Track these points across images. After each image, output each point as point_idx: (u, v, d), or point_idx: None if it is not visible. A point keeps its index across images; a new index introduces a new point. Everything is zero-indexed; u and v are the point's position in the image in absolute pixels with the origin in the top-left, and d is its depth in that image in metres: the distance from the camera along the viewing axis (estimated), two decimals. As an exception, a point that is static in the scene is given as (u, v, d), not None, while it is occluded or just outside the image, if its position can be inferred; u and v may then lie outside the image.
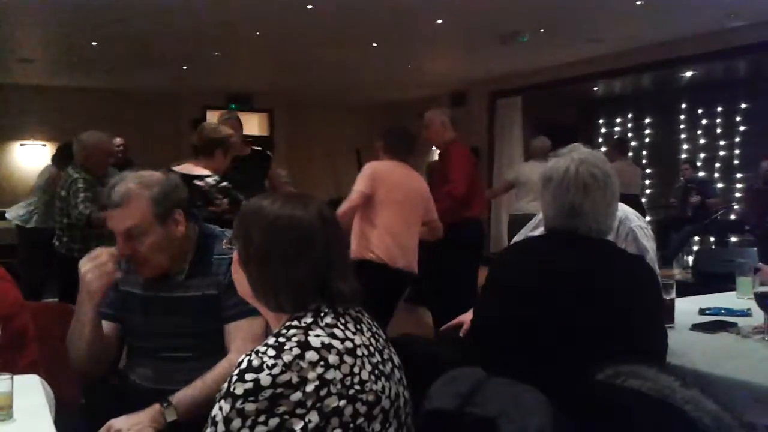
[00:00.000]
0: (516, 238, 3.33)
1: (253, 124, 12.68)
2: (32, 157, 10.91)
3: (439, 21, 7.21)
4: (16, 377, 1.70)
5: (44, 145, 11.01)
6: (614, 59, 8.94)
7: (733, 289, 3.20)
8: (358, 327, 1.44)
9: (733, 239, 9.59)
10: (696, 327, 2.44)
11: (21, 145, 10.97)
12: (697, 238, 9.92)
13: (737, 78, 9.80)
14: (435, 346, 2.05)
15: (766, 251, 8.35)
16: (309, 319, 1.39)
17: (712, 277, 7.71)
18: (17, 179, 10.75)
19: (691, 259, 9.52)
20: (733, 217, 9.72)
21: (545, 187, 2.04)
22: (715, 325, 2.45)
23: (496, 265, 2.12)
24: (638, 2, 6.58)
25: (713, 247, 9.69)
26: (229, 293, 2.00)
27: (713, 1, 6.58)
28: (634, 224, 2.78)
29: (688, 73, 9.63)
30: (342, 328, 1.40)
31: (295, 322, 1.39)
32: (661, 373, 1.39)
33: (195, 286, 2.14)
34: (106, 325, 2.23)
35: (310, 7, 6.56)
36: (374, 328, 1.50)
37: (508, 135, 11.24)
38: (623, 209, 2.68)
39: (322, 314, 1.41)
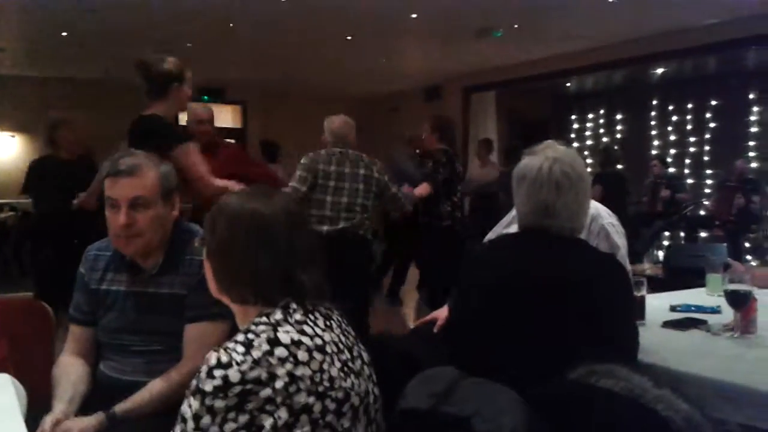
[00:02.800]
0: (489, 235, 3.36)
1: (226, 117, 12.60)
2: (1, 147, 10.75)
3: (414, 15, 7.20)
4: (-16, 376, 1.67)
5: (13, 136, 10.84)
6: (587, 55, 8.99)
7: (704, 285, 3.23)
8: (328, 324, 1.44)
9: (703, 234, 9.73)
10: (667, 324, 2.47)
11: (-10, 135, 10.80)
12: (667, 234, 10.05)
13: (707, 75, 9.94)
14: (410, 344, 2.03)
15: (735, 247, 8.50)
16: (278, 316, 1.39)
17: (682, 272, 7.80)
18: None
19: (661, 254, 9.65)
20: (702, 212, 9.86)
21: (519, 185, 2.05)
22: (685, 322, 2.47)
23: (469, 263, 2.12)
24: (611, 0, 6.63)
25: (683, 242, 9.83)
26: (195, 294, 2.01)
27: (685, -1, 6.64)
28: (605, 221, 2.81)
29: (659, 70, 9.73)
30: (311, 324, 1.40)
31: (264, 318, 1.39)
32: (634, 372, 1.41)
33: (166, 284, 2.13)
34: (83, 331, 2.22)
35: (283, 0, 6.51)
36: (344, 325, 1.50)
37: (482, 129, 11.27)
38: (595, 206, 2.70)
39: (291, 310, 1.41)
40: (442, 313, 2.98)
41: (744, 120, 9.72)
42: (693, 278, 7.27)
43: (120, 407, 1.94)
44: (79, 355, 2.19)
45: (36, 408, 1.92)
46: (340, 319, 1.50)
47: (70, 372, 2.11)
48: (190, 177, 3.13)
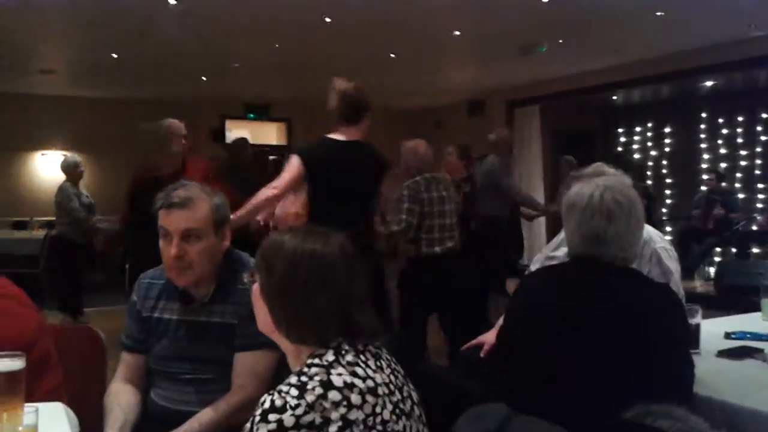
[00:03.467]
0: (537, 256, 3.33)
1: (271, 134, 12.73)
2: (52, 166, 11.01)
3: (457, 32, 7.20)
4: (39, 405, 1.70)
5: (64, 155, 11.09)
6: (634, 69, 8.88)
7: (757, 303, 3.14)
8: (378, 364, 1.43)
9: (755, 250, 9.49)
10: (722, 353, 2.39)
11: (42, 154, 11.06)
12: (718, 249, 9.83)
13: (758, 87, 9.72)
14: (456, 376, 2.01)
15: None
16: (330, 357, 1.39)
17: (734, 289, 7.65)
18: (37, 189, 10.84)
19: (712, 270, 9.44)
20: (754, 227, 9.62)
21: (569, 214, 2.02)
22: (741, 351, 2.40)
23: (518, 292, 2.10)
24: (658, 13, 6.53)
25: (735, 258, 9.60)
26: (246, 323, 2.01)
27: (733, 11, 6.51)
28: (658, 245, 2.77)
29: (709, 83, 9.55)
30: (363, 366, 1.39)
31: (317, 360, 1.38)
32: (691, 414, 1.36)
33: (218, 312, 2.15)
34: (134, 359, 2.25)
35: (328, 20, 6.57)
36: (393, 365, 1.49)
37: (527, 143, 11.19)
38: (647, 230, 2.65)
39: (343, 351, 1.40)
40: (488, 337, 2.96)
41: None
42: (745, 295, 7.16)
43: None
44: (129, 383, 2.22)
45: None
46: (389, 357, 1.49)
47: (121, 400, 2.14)
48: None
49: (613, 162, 7.99)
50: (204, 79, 9.68)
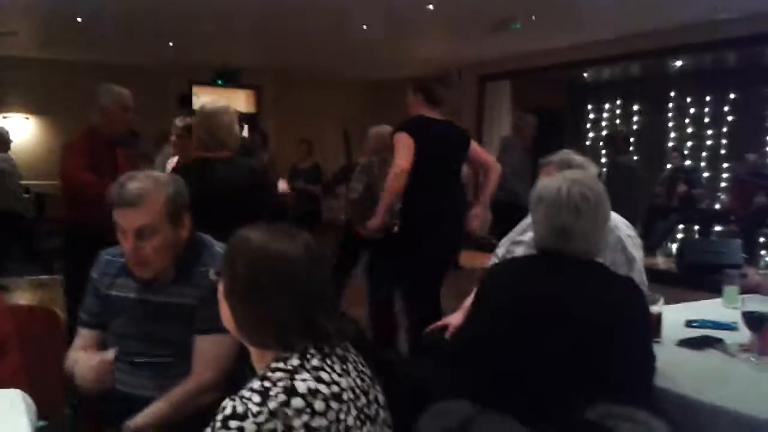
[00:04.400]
0: (503, 240, 3.34)
1: (240, 101, 12.56)
2: (15, 129, 10.76)
3: (430, 6, 7.13)
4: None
5: (27, 118, 10.88)
6: (604, 47, 8.89)
7: (718, 284, 3.20)
8: (344, 367, 1.41)
9: (718, 228, 9.66)
10: (683, 343, 2.43)
11: (3, 117, 10.80)
12: (681, 226, 9.98)
13: (726, 68, 9.80)
14: (418, 367, 2.01)
15: (749, 242, 8.43)
16: (295, 362, 1.36)
17: (696, 267, 7.79)
18: (-1, 152, 10.60)
19: (674, 247, 9.60)
20: (717, 206, 9.78)
21: (536, 207, 2.02)
22: (701, 341, 2.44)
23: (484, 283, 2.11)
24: (631, -8, 6.54)
25: (697, 236, 9.76)
26: (206, 306, 1.99)
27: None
28: (622, 233, 2.79)
29: (678, 63, 9.61)
30: (329, 370, 1.37)
31: (281, 364, 1.36)
32: (653, 418, 1.39)
33: (177, 293, 2.13)
34: (90, 333, 2.23)
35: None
36: (360, 366, 1.47)
37: (497, 118, 11.21)
38: (613, 218, 2.66)
39: (308, 355, 1.38)
40: (454, 319, 2.98)
41: (762, 114, 9.59)
42: (707, 274, 7.29)
43: (130, 422, 1.95)
44: None
45: (48, 418, 1.92)
46: (356, 359, 1.47)
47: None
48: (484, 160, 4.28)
49: (606, 139, 7.91)
50: (171, 44, 9.48)
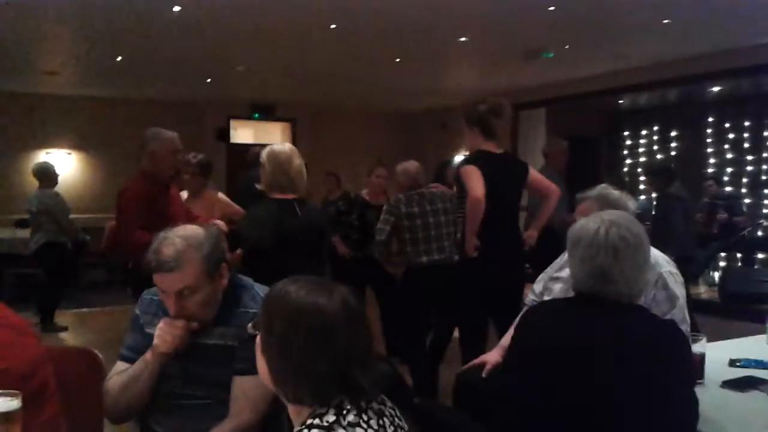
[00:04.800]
0: (541, 276, 3.30)
1: (275, 134, 12.72)
2: (57, 164, 11.00)
3: (463, 38, 7.16)
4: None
5: (69, 153, 11.11)
6: (640, 73, 8.83)
7: (762, 313, 3.13)
8: (381, 422, 1.40)
9: (761, 256, 9.46)
10: (726, 384, 2.38)
11: (46, 153, 11.06)
12: (723, 255, 9.79)
13: (765, 92, 9.65)
14: (458, 418, 1.98)
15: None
16: (331, 417, 1.35)
17: (739, 297, 7.63)
18: (42, 187, 10.85)
19: (716, 275, 9.41)
20: (760, 233, 9.58)
21: (574, 248, 2.00)
22: (745, 381, 2.38)
23: (521, 326, 2.09)
24: (665, 21, 6.49)
25: (739, 264, 9.56)
26: (246, 346, 1.99)
27: (739, 18, 6.46)
28: (664, 270, 2.74)
29: (716, 88, 9.49)
30: (364, 426, 1.36)
31: (317, 420, 1.35)
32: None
33: (218, 335, 2.15)
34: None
35: (333, 26, 6.54)
36: (396, 420, 1.45)
37: (531, 146, 11.15)
38: (653, 254, 2.62)
39: (344, 411, 1.37)
40: (490, 356, 2.96)
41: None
42: (750, 304, 7.11)
43: None
44: None
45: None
46: (392, 412, 1.46)
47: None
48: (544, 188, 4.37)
49: (655, 169, 7.66)
50: (209, 80, 9.66)
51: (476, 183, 4.03)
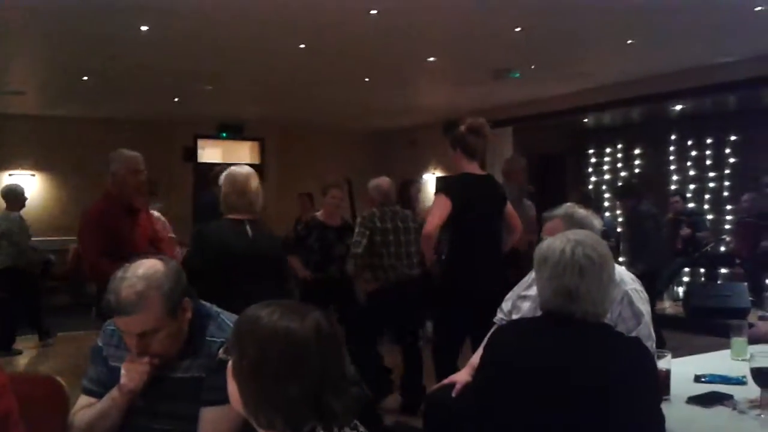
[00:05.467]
0: (509, 295, 3.33)
1: (244, 153, 12.69)
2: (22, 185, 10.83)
3: (432, 59, 7.24)
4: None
5: (33, 175, 10.96)
6: (604, 92, 8.99)
7: (726, 327, 3.17)
8: None
9: (723, 271, 9.62)
10: (692, 400, 2.42)
11: (9, 174, 10.89)
12: (686, 270, 9.95)
13: (727, 110, 9.87)
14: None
15: (756, 284, 8.40)
16: None
17: (703, 312, 7.75)
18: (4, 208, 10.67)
19: (681, 290, 9.55)
20: (723, 249, 9.75)
21: (540, 267, 2.02)
22: (710, 397, 2.42)
23: (489, 346, 2.10)
24: (629, 41, 6.63)
25: (703, 279, 9.72)
26: (214, 376, 1.96)
27: (701, 39, 6.62)
28: (629, 287, 2.78)
29: (678, 106, 9.69)
30: None
31: None
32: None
33: (184, 368, 2.09)
34: (90, 402, 2.18)
35: (302, 46, 6.57)
36: None
37: (498, 164, 11.23)
38: (618, 272, 2.66)
39: None
40: (460, 376, 2.97)
41: (765, 155, 9.62)
42: (714, 318, 7.22)
43: None
44: None
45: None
46: None
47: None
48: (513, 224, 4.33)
49: (624, 188, 7.69)
50: (176, 99, 9.62)
51: (434, 216, 4.10)
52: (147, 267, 2.02)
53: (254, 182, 3.72)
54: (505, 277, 4.24)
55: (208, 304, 2.21)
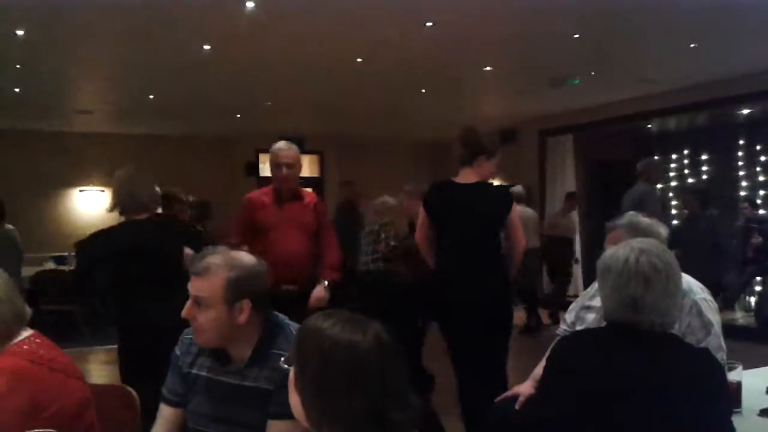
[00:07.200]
0: (573, 305, 3.28)
1: (304, 166, 12.83)
2: (91, 202, 11.21)
3: (488, 68, 7.21)
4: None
5: (102, 191, 11.31)
6: (668, 98, 8.81)
7: None
8: None
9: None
10: (764, 412, 2.34)
11: (80, 191, 11.27)
12: (758, 279, 9.61)
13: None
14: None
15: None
16: None
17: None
18: (76, 224, 11.05)
19: (752, 300, 9.24)
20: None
21: (604, 277, 1.99)
22: (785, 410, 2.34)
23: (554, 357, 2.07)
24: (692, 45, 6.47)
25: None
26: (281, 390, 1.98)
27: (767, 40, 6.42)
28: (698, 297, 2.71)
29: (746, 111, 9.40)
30: None
31: None
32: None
33: (252, 377, 2.13)
34: (172, 412, 2.25)
35: (359, 60, 6.63)
36: None
37: (560, 173, 11.12)
38: (687, 281, 2.60)
39: None
40: (523, 388, 2.94)
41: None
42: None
43: None
44: None
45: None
46: None
47: None
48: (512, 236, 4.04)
49: (697, 193, 7.66)
50: (238, 116, 9.81)
51: (417, 229, 4.20)
52: (236, 254, 2.16)
53: (143, 180, 3.88)
54: (498, 286, 4.04)
55: (281, 316, 2.25)
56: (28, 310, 2.18)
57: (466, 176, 4.06)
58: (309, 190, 5.37)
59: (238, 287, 2.09)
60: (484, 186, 4.11)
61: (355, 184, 8.99)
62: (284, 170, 4.47)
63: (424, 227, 4.15)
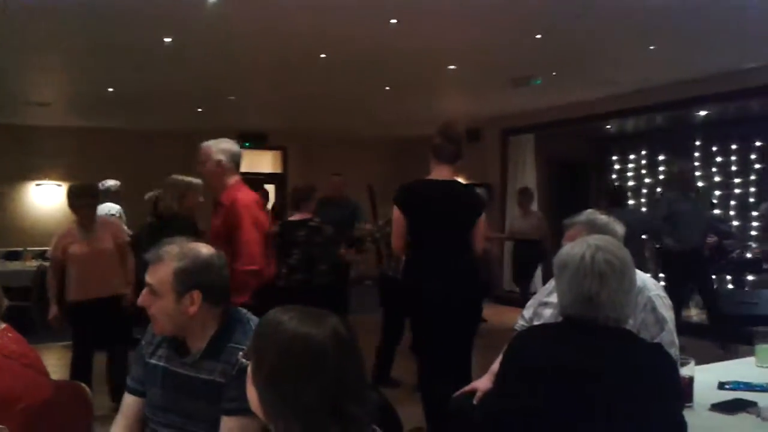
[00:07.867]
0: (530, 302, 3.32)
1: (267, 162, 12.78)
2: (47, 196, 11.01)
3: (452, 67, 7.25)
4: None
5: (59, 185, 11.10)
6: (627, 99, 8.93)
7: (752, 335, 3.14)
8: None
9: (751, 278, 9.49)
10: (715, 407, 2.39)
11: (36, 185, 11.06)
12: (713, 277, 9.81)
13: (752, 115, 9.75)
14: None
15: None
16: None
17: (729, 319, 7.64)
18: (32, 219, 10.84)
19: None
20: (749, 255, 9.62)
21: (560, 273, 2.02)
22: (734, 404, 2.40)
23: (510, 352, 2.10)
24: (651, 47, 6.58)
25: (729, 286, 9.59)
26: (234, 384, 1.99)
27: (726, 44, 6.57)
28: (652, 293, 2.76)
29: (702, 112, 9.59)
30: None
31: None
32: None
33: (206, 369, 2.12)
34: (134, 401, 2.26)
35: (323, 55, 6.61)
36: None
37: (521, 171, 11.24)
38: (641, 278, 2.66)
39: None
40: (481, 383, 2.97)
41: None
42: (740, 326, 7.14)
43: None
44: (127, 429, 2.23)
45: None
46: None
47: None
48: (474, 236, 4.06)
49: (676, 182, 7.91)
50: (200, 110, 9.71)
51: (394, 230, 4.10)
52: (193, 245, 2.16)
53: None
54: (473, 284, 4.11)
55: (243, 311, 2.24)
56: (5, 302, 2.16)
57: (442, 173, 4.06)
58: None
59: (187, 278, 2.08)
60: (460, 184, 4.19)
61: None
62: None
63: (404, 234, 4.05)
